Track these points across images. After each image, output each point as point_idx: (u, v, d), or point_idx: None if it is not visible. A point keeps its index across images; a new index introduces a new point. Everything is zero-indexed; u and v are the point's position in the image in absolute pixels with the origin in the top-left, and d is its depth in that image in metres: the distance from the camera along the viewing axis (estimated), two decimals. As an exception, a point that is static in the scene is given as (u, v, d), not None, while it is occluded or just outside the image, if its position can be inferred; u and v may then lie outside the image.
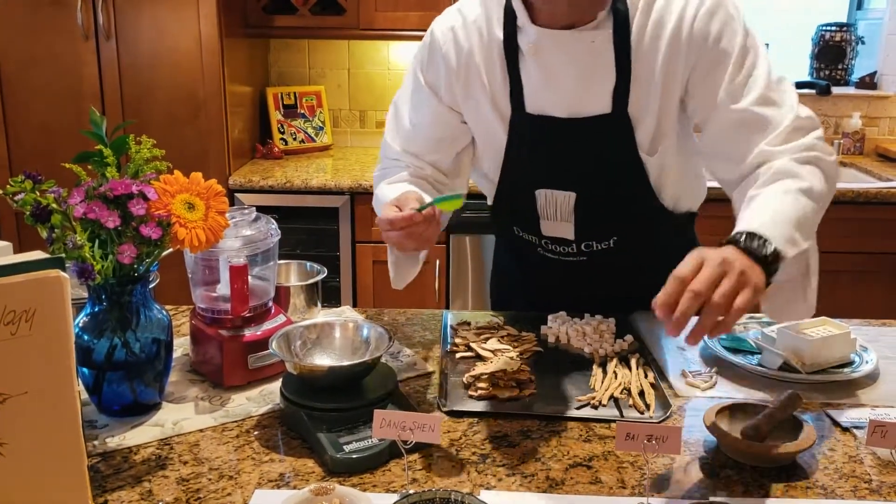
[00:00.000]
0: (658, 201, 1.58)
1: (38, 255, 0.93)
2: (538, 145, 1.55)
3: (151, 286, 1.34)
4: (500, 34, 1.51)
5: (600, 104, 1.49)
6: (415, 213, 1.31)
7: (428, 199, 1.37)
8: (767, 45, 3.94)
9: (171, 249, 1.24)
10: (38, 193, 1.14)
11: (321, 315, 1.67)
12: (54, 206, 1.14)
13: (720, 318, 1.09)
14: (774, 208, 1.29)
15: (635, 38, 1.45)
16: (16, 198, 1.13)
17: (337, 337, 1.36)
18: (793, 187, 1.33)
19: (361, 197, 3.33)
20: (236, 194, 3.33)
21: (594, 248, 1.62)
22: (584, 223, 1.59)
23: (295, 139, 3.87)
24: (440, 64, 1.57)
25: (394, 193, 1.48)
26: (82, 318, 1.24)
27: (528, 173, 1.59)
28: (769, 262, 1.17)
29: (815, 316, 1.53)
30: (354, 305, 3.37)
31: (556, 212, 1.60)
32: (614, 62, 1.46)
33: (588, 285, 1.70)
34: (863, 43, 4.02)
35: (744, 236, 1.20)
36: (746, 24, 1.45)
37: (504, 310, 1.78)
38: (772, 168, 1.37)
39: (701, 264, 1.11)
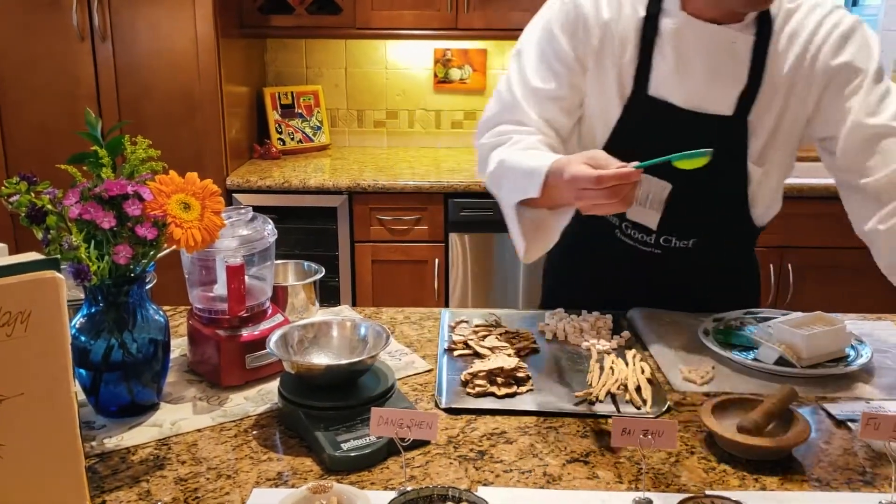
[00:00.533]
0: (748, 212, 1.59)
1: (33, 256, 0.94)
2: (650, 129, 1.54)
3: (148, 287, 1.35)
4: (641, 11, 1.51)
5: (723, 105, 1.50)
6: (633, 171, 1.26)
7: (615, 162, 1.30)
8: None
9: (167, 250, 1.24)
10: (33, 195, 1.14)
11: (319, 314, 1.67)
12: (49, 207, 1.14)
13: None
14: None
15: (772, 48, 1.46)
16: (11, 199, 1.14)
17: (334, 336, 1.36)
18: None
19: (359, 196, 3.33)
20: (234, 195, 3.33)
21: (672, 245, 1.62)
22: (671, 217, 1.58)
23: (292, 139, 3.87)
24: (581, 30, 1.54)
25: (536, 158, 1.43)
26: (79, 320, 1.24)
27: (630, 155, 1.55)
28: None
29: (810, 311, 1.54)
30: (353, 305, 3.38)
31: (647, 198, 1.58)
32: (748, 67, 1.47)
33: (654, 280, 1.69)
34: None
35: None
36: (877, 50, 1.46)
37: (557, 301, 1.76)
38: None
39: None
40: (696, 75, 1.49)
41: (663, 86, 1.52)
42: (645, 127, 1.55)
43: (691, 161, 1.30)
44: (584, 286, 1.80)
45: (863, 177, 1.45)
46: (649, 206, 1.59)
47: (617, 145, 1.57)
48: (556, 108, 1.58)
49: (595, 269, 1.78)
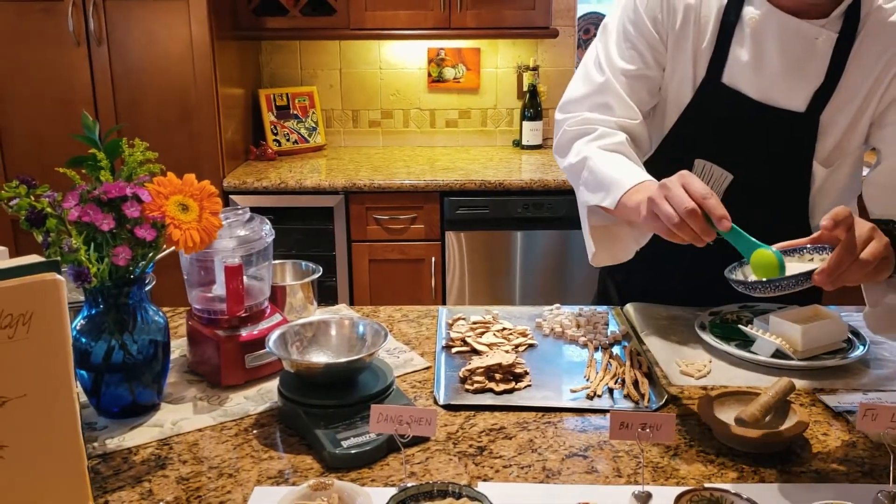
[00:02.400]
0: (807, 218, 1.57)
1: (34, 258, 0.94)
2: (720, 117, 1.53)
3: (148, 288, 1.35)
4: None
5: (797, 101, 1.48)
6: (725, 218, 1.20)
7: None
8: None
9: (166, 251, 1.25)
10: (32, 198, 1.15)
11: (317, 314, 1.68)
12: (49, 210, 1.15)
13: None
14: None
15: (854, 50, 1.43)
16: (11, 203, 1.14)
17: (333, 334, 1.37)
18: None
19: (356, 196, 3.34)
20: (231, 196, 3.34)
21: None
22: (729, 209, 1.55)
23: (288, 140, 3.88)
24: (666, 9, 1.53)
25: (620, 169, 1.42)
26: (79, 321, 1.25)
27: (695, 141, 1.57)
28: None
29: (805, 303, 1.54)
30: (351, 304, 3.38)
31: (708, 186, 1.57)
32: (828, 66, 1.45)
33: (701, 271, 1.61)
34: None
35: (889, 224, 1.26)
36: None
37: (609, 295, 1.76)
38: None
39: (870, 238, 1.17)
40: (772, 68, 1.47)
41: (738, 75, 1.50)
42: (714, 114, 1.54)
43: (762, 267, 1.20)
44: (638, 278, 1.76)
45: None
46: None
47: (685, 130, 1.57)
48: (642, 88, 1.57)
49: (651, 253, 1.67)
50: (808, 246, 1.23)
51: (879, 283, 1.35)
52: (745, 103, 1.50)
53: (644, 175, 1.40)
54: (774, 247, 1.22)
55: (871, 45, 1.43)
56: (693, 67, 1.53)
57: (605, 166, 1.45)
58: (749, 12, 1.47)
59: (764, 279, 1.19)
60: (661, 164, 1.60)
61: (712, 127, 1.55)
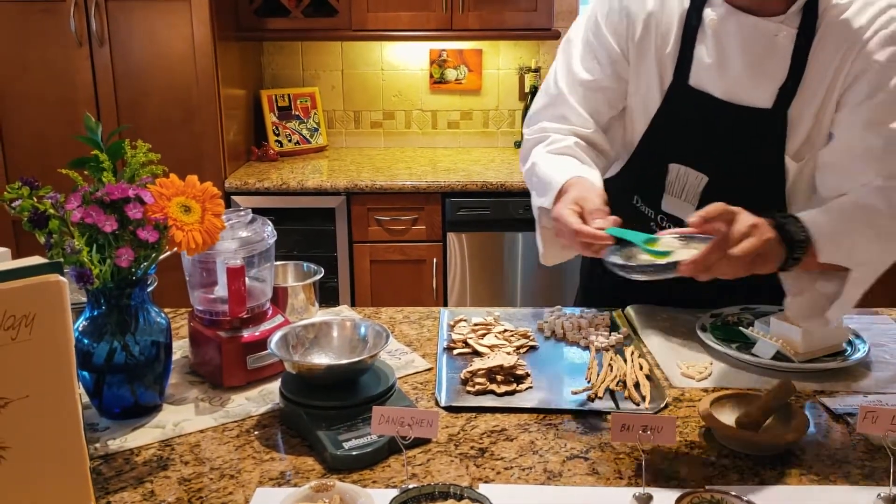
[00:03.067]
0: (785, 208, 1.56)
1: (37, 260, 0.94)
2: (688, 120, 1.55)
3: (150, 289, 1.35)
4: (686, 2, 1.51)
5: (762, 98, 1.48)
6: (605, 236, 1.26)
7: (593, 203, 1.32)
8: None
9: (168, 252, 1.25)
10: (35, 199, 1.15)
11: (319, 315, 1.68)
12: (52, 211, 1.15)
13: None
14: (837, 219, 1.36)
15: (816, 43, 1.44)
16: (13, 204, 1.15)
17: (335, 336, 1.37)
18: (873, 211, 1.37)
19: (357, 197, 3.34)
20: (232, 197, 3.34)
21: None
22: None
23: (290, 141, 3.88)
24: (624, 20, 1.56)
25: (558, 170, 1.47)
26: (82, 323, 1.25)
27: (668, 145, 1.58)
28: (793, 246, 1.29)
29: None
30: (352, 305, 3.39)
31: (683, 191, 1.59)
32: (790, 61, 1.45)
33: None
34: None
35: (787, 216, 1.31)
36: None
37: (593, 300, 1.77)
38: (868, 190, 1.39)
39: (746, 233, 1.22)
40: (736, 67, 1.48)
41: (703, 77, 1.52)
42: (684, 118, 1.55)
43: (656, 254, 1.25)
44: (618, 281, 1.78)
45: (843, 179, 1.45)
46: (685, 198, 1.59)
47: (657, 136, 1.58)
48: (600, 99, 1.60)
49: None
50: (699, 235, 1.26)
51: (804, 273, 1.37)
52: (712, 104, 1.52)
53: (574, 172, 1.45)
54: (669, 233, 1.29)
55: (830, 40, 1.44)
56: (659, 73, 1.55)
57: (548, 168, 1.50)
58: (709, 14, 1.49)
59: (633, 264, 1.24)
60: (637, 170, 1.65)
61: (683, 130, 1.57)
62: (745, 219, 1.23)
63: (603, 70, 1.58)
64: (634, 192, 1.68)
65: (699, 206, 1.51)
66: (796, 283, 1.41)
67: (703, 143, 1.55)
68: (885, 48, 1.40)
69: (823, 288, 1.40)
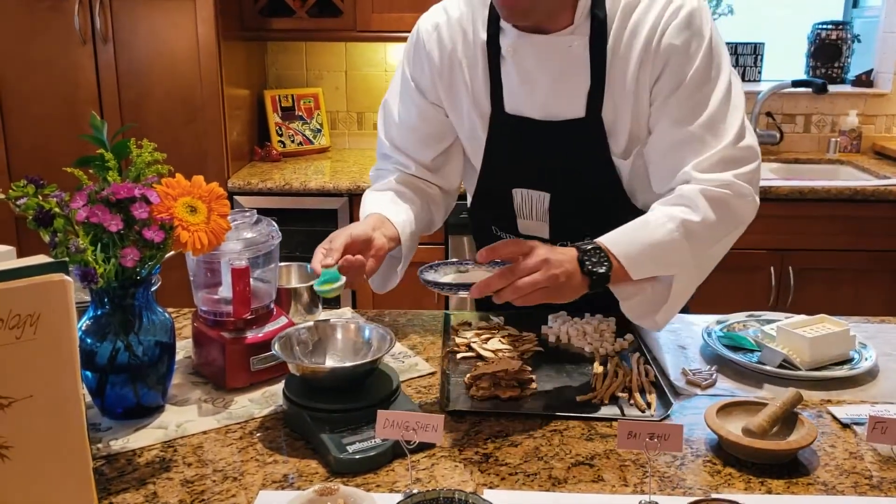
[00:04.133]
0: (632, 203, 1.59)
1: (41, 259, 0.94)
2: (515, 145, 1.58)
3: (153, 289, 1.35)
4: (483, 34, 1.54)
5: (574, 108, 1.51)
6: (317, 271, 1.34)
7: (387, 236, 1.51)
8: (762, 44, 3.94)
9: (173, 252, 1.24)
10: (40, 198, 1.14)
11: (323, 317, 1.67)
12: (57, 210, 1.14)
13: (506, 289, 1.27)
14: (642, 234, 1.39)
15: (611, 45, 1.46)
16: (18, 202, 1.14)
17: (339, 338, 1.37)
18: (678, 217, 1.38)
19: (359, 198, 3.31)
20: (235, 197, 3.33)
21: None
22: (559, 223, 1.62)
23: (293, 141, 3.87)
24: (424, 61, 1.60)
25: (372, 206, 1.59)
26: (85, 322, 1.24)
27: (505, 172, 1.63)
28: (594, 278, 1.33)
29: (813, 313, 1.54)
30: (354, 307, 3.38)
31: (532, 211, 1.63)
32: (589, 68, 1.47)
33: None
34: (858, 41, 4.03)
35: (590, 248, 1.35)
36: (715, 42, 1.45)
37: (489, 310, 1.78)
38: (681, 190, 1.42)
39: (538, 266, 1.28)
40: (542, 86, 1.51)
41: (516, 102, 1.54)
42: (511, 144, 1.59)
43: (326, 283, 1.32)
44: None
45: (658, 176, 1.50)
46: (536, 218, 1.63)
47: (492, 165, 1.64)
48: (415, 139, 1.68)
49: None
50: (500, 261, 1.37)
51: (629, 283, 1.40)
52: (532, 126, 1.54)
53: (372, 209, 1.58)
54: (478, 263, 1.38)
55: (624, 40, 1.45)
56: (476, 106, 1.59)
57: (365, 208, 1.63)
58: (505, 42, 1.51)
59: (442, 281, 1.37)
60: (485, 199, 1.72)
61: (514, 156, 1.60)
62: (539, 253, 1.29)
63: (409, 111, 1.65)
64: (491, 222, 1.74)
65: (551, 223, 1.62)
66: (623, 291, 1.42)
67: (534, 164, 1.59)
68: (680, 35, 1.43)
69: (654, 290, 1.42)
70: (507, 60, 1.52)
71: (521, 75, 1.51)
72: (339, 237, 1.41)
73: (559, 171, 1.57)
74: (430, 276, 1.38)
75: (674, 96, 1.44)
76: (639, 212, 1.55)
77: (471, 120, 1.60)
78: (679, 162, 1.44)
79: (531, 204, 1.62)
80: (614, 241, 1.38)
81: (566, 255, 1.32)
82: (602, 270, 1.33)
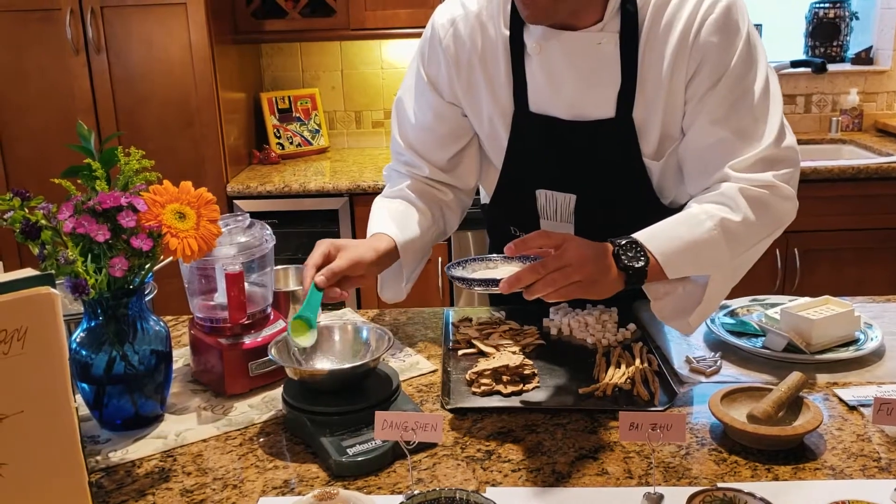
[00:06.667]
0: (661, 204, 1.54)
1: (27, 272, 0.93)
2: (540, 146, 1.52)
3: (148, 298, 1.34)
4: (506, 30, 1.47)
5: (604, 108, 1.44)
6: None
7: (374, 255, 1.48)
8: (760, 25, 3.91)
9: (164, 261, 1.23)
10: (26, 210, 1.13)
11: (322, 319, 1.66)
12: (44, 222, 1.13)
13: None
14: (680, 231, 1.33)
15: (643, 42, 1.40)
16: (5, 216, 1.13)
17: (337, 340, 1.36)
18: (717, 216, 1.33)
19: (360, 198, 3.32)
20: (235, 201, 3.32)
21: None
22: (585, 226, 1.55)
23: (291, 143, 3.86)
24: (440, 57, 1.53)
25: (382, 214, 1.56)
26: (79, 334, 1.24)
27: (528, 173, 1.56)
28: (631, 273, 1.28)
29: (818, 294, 1.52)
30: (358, 307, 3.37)
31: (557, 213, 1.57)
32: (620, 66, 1.41)
33: None
34: (857, 18, 3.99)
35: (625, 242, 1.30)
36: (752, 37, 1.39)
37: (508, 304, 1.76)
38: (720, 188, 1.37)
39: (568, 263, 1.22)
40: (569, 85, 1.44)
41: (542, 101, 1.48)
42: (535, 144, 1.52)
43: (298, 322, 1.30)
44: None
45: (696, 173, 1.45)
46: (560, 220, 1.58)
47: (514, 165, 1.57)
48: (429, 139, 1.61)
49: None
50: (532, 256, 1.31)
51: (664, 280, 1.35)
52: (558, 125, 1.48)
53: (377, 228, 1.55)
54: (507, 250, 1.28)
55: (658, 37, 1.39)
56: (497, 105, 1.52)
57: (371, 219, 1.60)
58: (530, 39, 1.45)
59: (470, 277, 1.29)
60: (506, 200, 1.65)
61: (538, 156, 1.54)
62: (571, 246, 1.24)
63: (424, 110, 1.59)
64: (509, 222, 1.69)
65: (576, 224, 1.56)
66: (654, 290, 1.38)
67: (560, 165, 1.53)
68: (718, 32, 1.37)
69: (686, 290, 1.37)
70: (533, 58, 1.45)
71: (547, 73, 1.45)
72: (340, 263, 1.39)
73: (586, 172, 1.51)
74: (458, 272, 1.33)
75: (711, 95, 1.38)
76: (668, 212, 1.48)
77: (491, 119, 1.54)
78: (717, 162, 1.38)
79: (555, 205, 1.56)
80: (651, 236, 1.32)
81: (601, 249, 1.27)
82: (640, 265, 1.28)
